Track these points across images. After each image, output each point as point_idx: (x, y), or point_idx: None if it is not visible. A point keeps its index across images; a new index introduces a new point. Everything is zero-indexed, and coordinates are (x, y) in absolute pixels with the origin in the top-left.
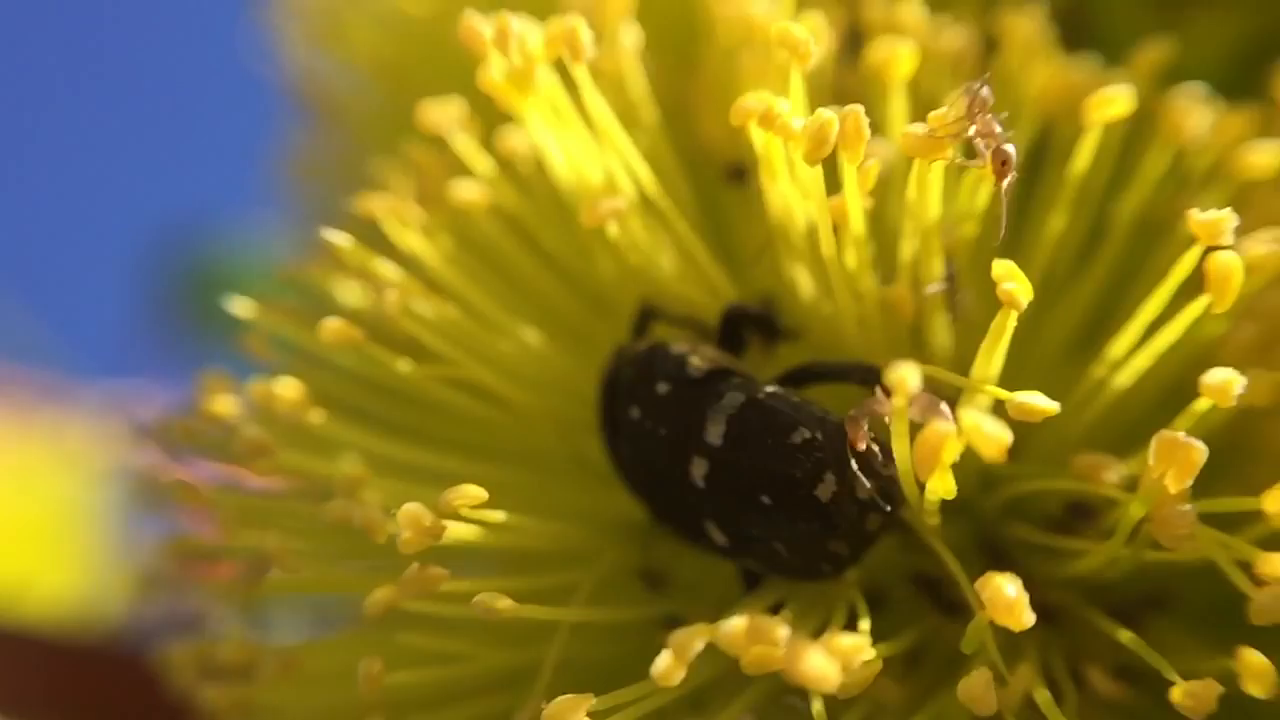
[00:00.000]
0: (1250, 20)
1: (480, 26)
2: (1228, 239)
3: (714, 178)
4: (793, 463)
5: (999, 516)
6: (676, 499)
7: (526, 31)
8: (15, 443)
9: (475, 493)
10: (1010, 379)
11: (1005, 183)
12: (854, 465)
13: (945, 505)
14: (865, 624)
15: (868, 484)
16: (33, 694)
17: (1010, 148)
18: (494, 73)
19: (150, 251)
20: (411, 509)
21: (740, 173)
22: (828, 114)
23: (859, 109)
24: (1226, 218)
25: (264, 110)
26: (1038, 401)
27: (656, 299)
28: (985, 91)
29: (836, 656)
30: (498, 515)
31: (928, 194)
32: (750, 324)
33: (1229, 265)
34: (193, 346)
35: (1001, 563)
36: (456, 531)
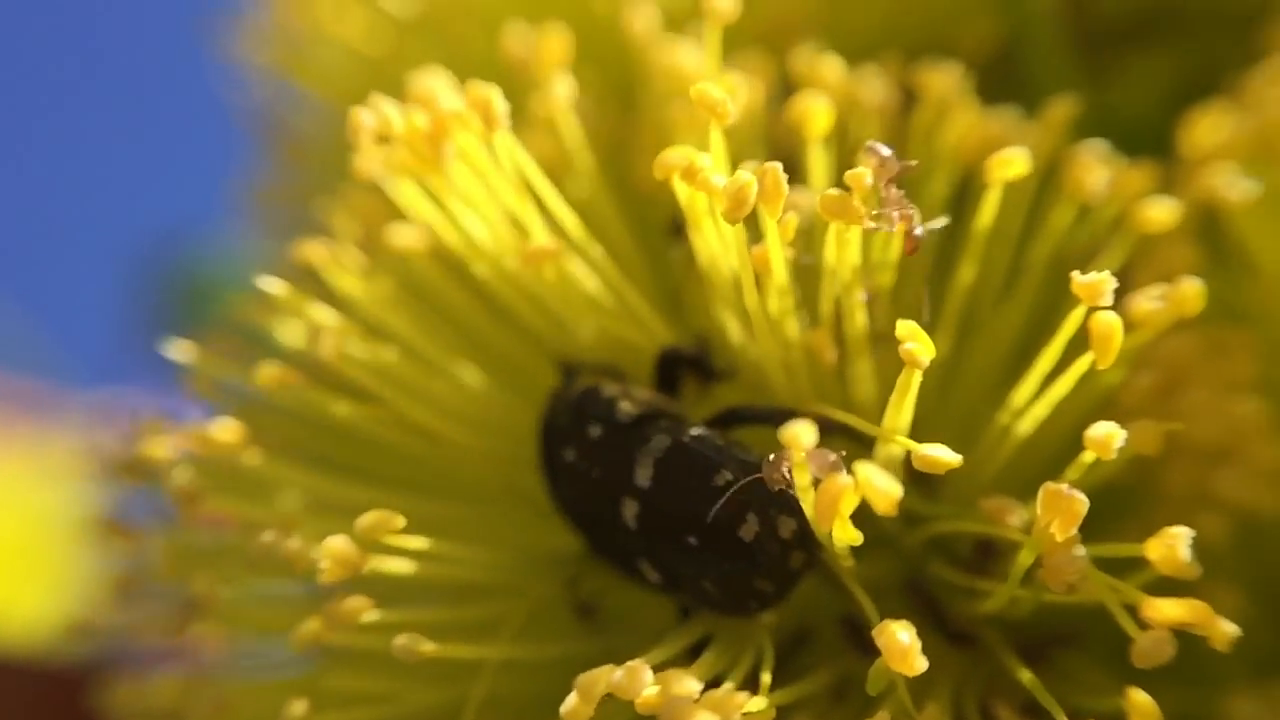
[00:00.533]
0: (1179, 64)
1: (368, 121)
2: (1107, 300)
3: (654, 219)
4: (715, 505)
5: (921, 554)
6: (612, 538)
7: (437, 101)
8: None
9: (394, 521)
10: (929, 421)
11: (912, 250)
12: (774, 506)
13: (872, 541)
14: (767, 674)
15: (790, 523)
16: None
17: (919, 230)
18: (401, 152)
19: (137, 262)
20: (335, 541)
21: (679, 228)
22: (746, 176)
23: (777, 166)
24: (1105, 280)
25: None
26: (941, 454)
27: (575, 356)
28: (890, 158)
29: (716, 710)
30: (425, 545)
31: (845, 249)
32: (684, 365)
33: (1109, 325)
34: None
35: (922, 600)
36: (381, 563)
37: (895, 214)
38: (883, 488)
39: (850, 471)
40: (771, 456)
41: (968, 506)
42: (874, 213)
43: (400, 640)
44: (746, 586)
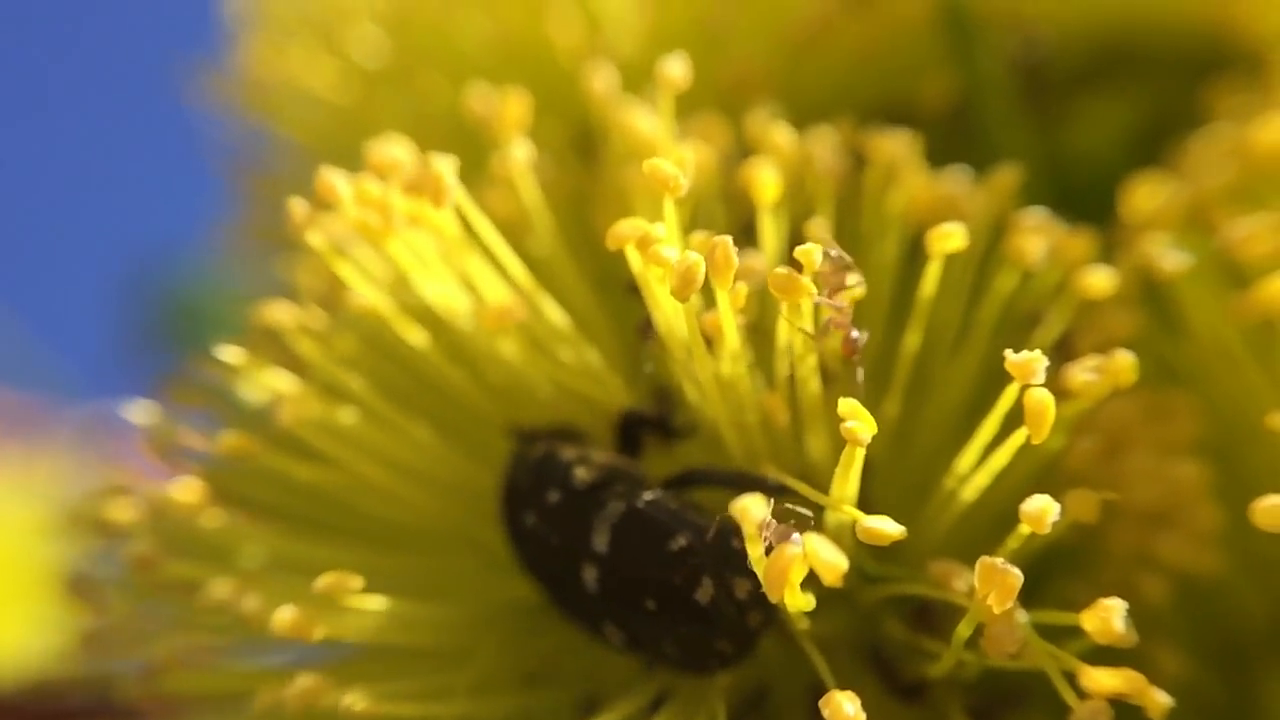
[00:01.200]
0: (1135, 105)
1: (337, 187)
2: (1039, 378)
3: (617, 271)
4: (670, 569)
5: (875, 610)
6: (576, 600)
7: (390, 170)
8: None
9: (350, 582)
10: (883, 480)
11: (855, 357)
12: (728, 569)
13: (827, 597)
14: None
15: (745, 584)
16: None
17: (856, 335)
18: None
19: (126, 278)
20: (285, 612)
21: (635, 288)
22: (693, 256)
23: (726, 241)
24: (1037, 359)
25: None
26: (884, 527)
27: (533, 416)
28: (833, 262)
29: None
30: (383, 605)
31: (796, 320)
32: (645, 426)
33: (1042, 402)
34: (169, 371)
35: (875, 658)
36: (336, 627)
37: (835, 320)
38: (829, 560)
39: (800, 541)
40: (721, 519)
41: (918, 569)
42: (820, 295)
43: (348, 699)
44: (706, 647)
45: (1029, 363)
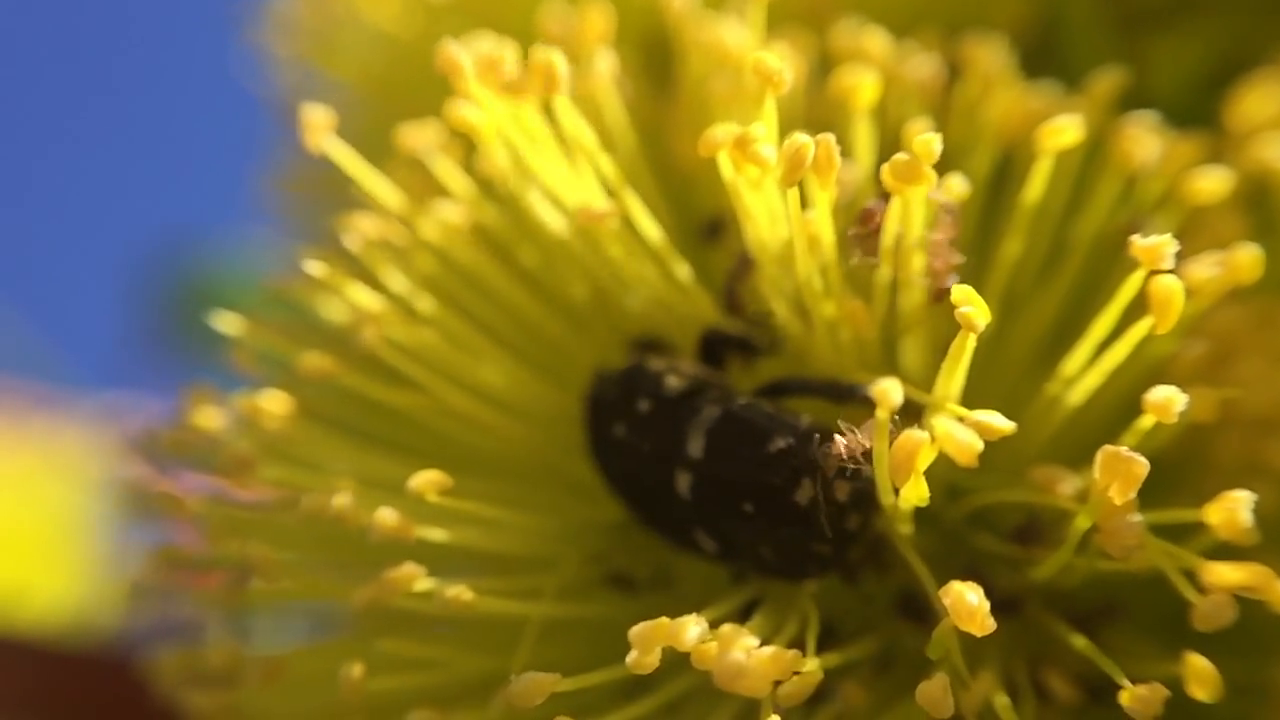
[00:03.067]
0: (1212, 45)
1: (458, 57)
2: (1168, 263)
3: (690, 200)
4: (770, 471)
5: (964, 527)
6: (665, 511)
7: (503, 63)
8: (9, 452)
9: (440, 479)
10: (975, 394)
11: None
12: (829, 470)
13: (915, 516)
14: (813, 633)
15: (845, 486)
16: (26, 700)
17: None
18: (469, 110)
19: (143, 264)
20: (384, 513)
21: (715, 228)
22: (802, 138)
23: (830, 137)
24: (1167, 243)
25: (259, 123)
26: (995, 420)
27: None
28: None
29: (766, 667)
30: (471, 511)
31: (910, 216)
32: (728, 345)
33: (1170, 289)
34: (185, 359)
35: (966, 572)
36: (428, 529)
37: (937, 263)
38: (964, 439)
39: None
40: (820, 429)
41: (1015, 477)
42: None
43: (450, 592)
44: (804, 550)
45: (1158, 247)
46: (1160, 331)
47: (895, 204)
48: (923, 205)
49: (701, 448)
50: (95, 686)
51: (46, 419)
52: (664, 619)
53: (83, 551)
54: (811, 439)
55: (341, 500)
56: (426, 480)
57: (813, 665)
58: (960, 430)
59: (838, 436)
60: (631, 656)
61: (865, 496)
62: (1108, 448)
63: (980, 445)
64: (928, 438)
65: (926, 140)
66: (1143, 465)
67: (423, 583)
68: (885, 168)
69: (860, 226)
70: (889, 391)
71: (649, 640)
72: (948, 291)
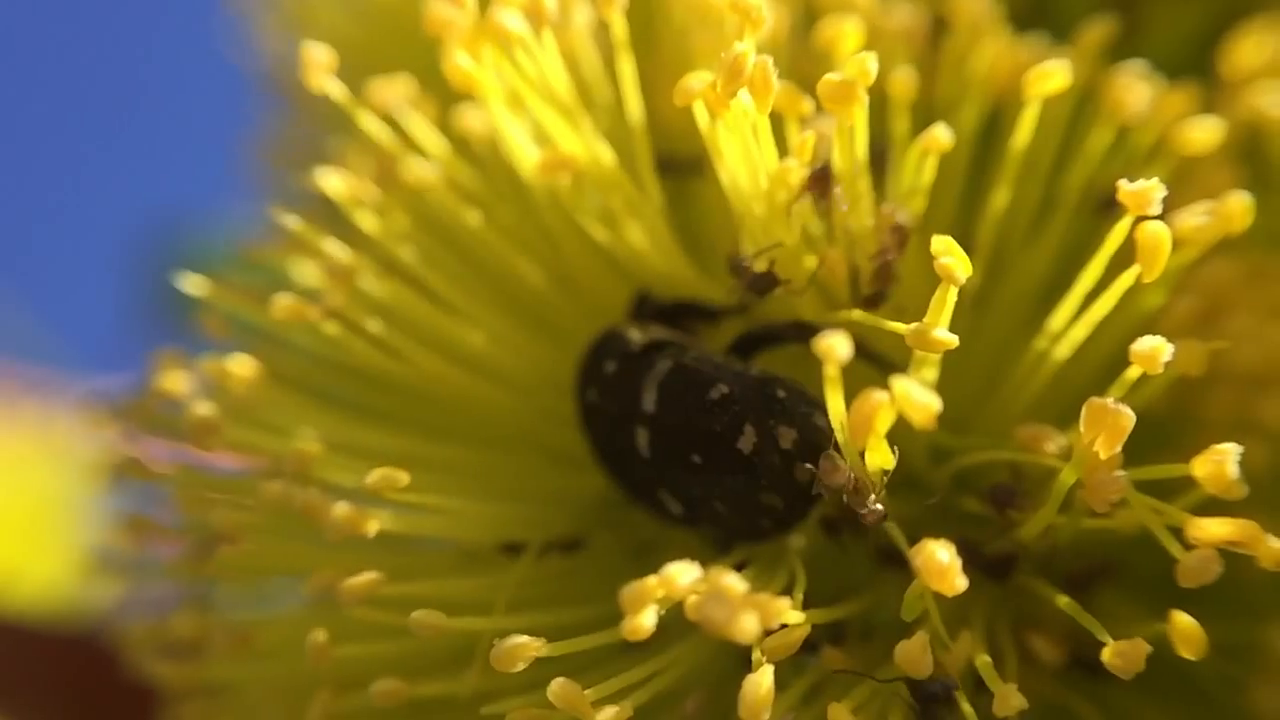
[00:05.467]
0: (1208, 6)
1: (443, 9)
2: (1155, 208)
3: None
4: (711, 417)
5: (949, 488)
6: (634, 473)
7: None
8: (2, 435)
9: (397, 477)
10: (963, 350)
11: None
12: (772, 416)
13: (897, 479)
14: (800, 590)
15: (790, 433)
16: (20, 681)
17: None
18: (454, 54)
19: (137, 245)
20: (343, 509)
21: (669, 165)
22: (762, 58)
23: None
24: (1154, 187)
25: (252, 105)
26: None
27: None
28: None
29: (757, 613)
30: (431, 500)
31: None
32: (683, 309)
33: (1157, 235)
34: (179, 340)
35: (950, 534)
36: (387, 523)
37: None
38: (921, 400)
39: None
40: (759, 374)
41: (1000, 437)
42: None
43: (416, 615)
44: (754, 502)
45: (1145, 192)
46: (1147, 280)
47: (834, 131)
48: (862, 130)
49: (654, 400)
50: (88, 667)
51: (40, 403)
52: (651, 577)
53: (76, 536)
54: (755, 385)
55: (303, 493)
56: (383, 477)
57: (799, 617)
58: (918, 390)
59: (778, 387)
60: (625, 622)
61: (814, 447)
62: (1094, 400)
63: (938, 405)
64: (886, 398)
65: (860, 60)
66: (1129, 417)
67: (385, 588)
68: (818, 88)
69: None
70: (835, 346)
71: (640, 599)
72: (900, 237)
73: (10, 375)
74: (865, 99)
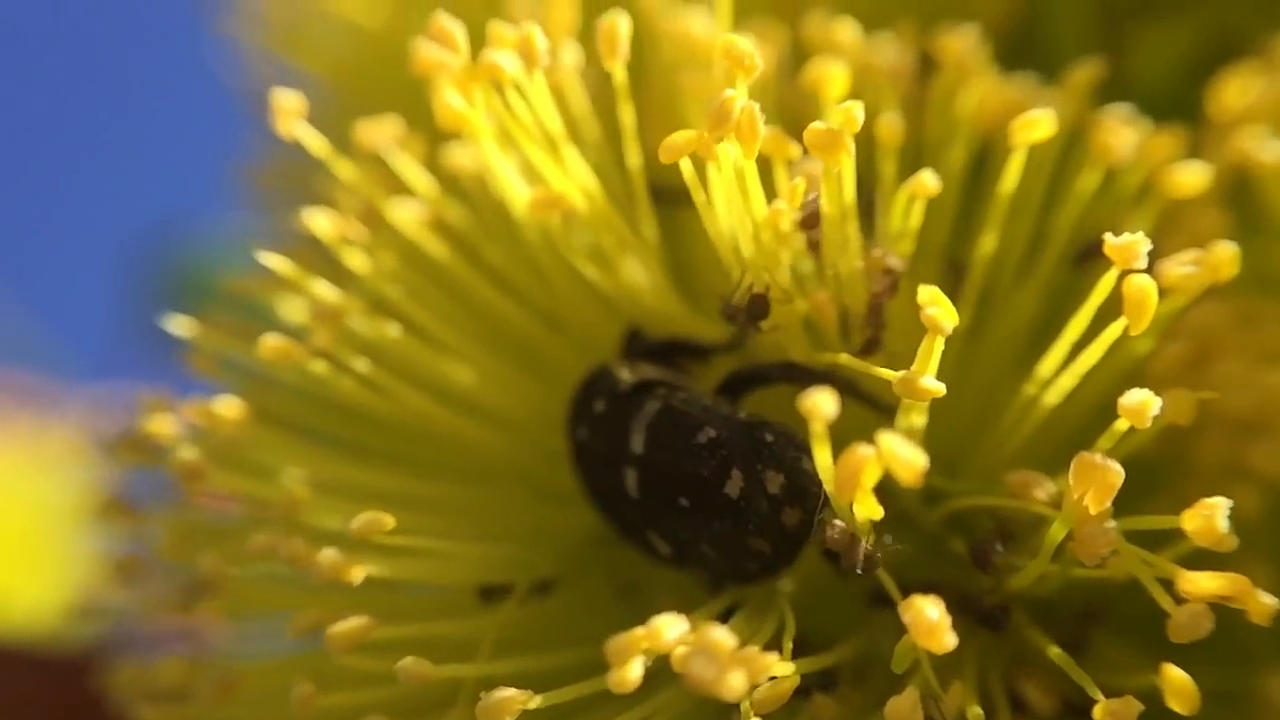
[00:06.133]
0: (1198, 32)
1: (434, 51)
2: (1141, 262)
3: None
4: (698, 461)
5: (940, 531)
6: (623, 512)
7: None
8: None
9: (382, 521)
10: (952, 394)
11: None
12: (760, 461)
13: (891, 519)
14: (790, 637)
15: (777, 478)
16: (13, 704)
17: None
18: (445, 94)
19: (135, 255)
20: (329, 555)
21: (659, 193)
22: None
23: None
24: (1139, 241)
25: (245, 118)
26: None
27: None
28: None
29: (744, 670)
30: (419, 543)
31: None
32: (675, 349)
33: (1143, 289)
34: (178, 350)
35: (941, 578)
36: (372, 568)
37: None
38: (907, 458)
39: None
40: (746, 420)
41: (990, 482)
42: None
43: (402, 664)
44: (741, 546)
45: (1131, 245)
46: (1134, 333)
47: (822, 176)
48: (849, 176)
49: (642, 442)
50: (76, 691)
51: (35, 414)
52: (638, 629)
53: (71, 550)
54: (743, 430)
55: (290, 544)
56: (368, 522)
57: (788, 669)
58: (904, 447)
59: (766, 431)
60: (611, 674)
61: (802, 492)
62: (1083, 455)
63: (924, 463)
64: (873, 453)
65: (847, 109)
66: (1118, 473)
67: (371, 633)
68: (805, 135)
69: (801, 210)
70: (820, 404)
71: (625, 651)
72: (891, 280)
73: (5, 387)
74: (851, 147)
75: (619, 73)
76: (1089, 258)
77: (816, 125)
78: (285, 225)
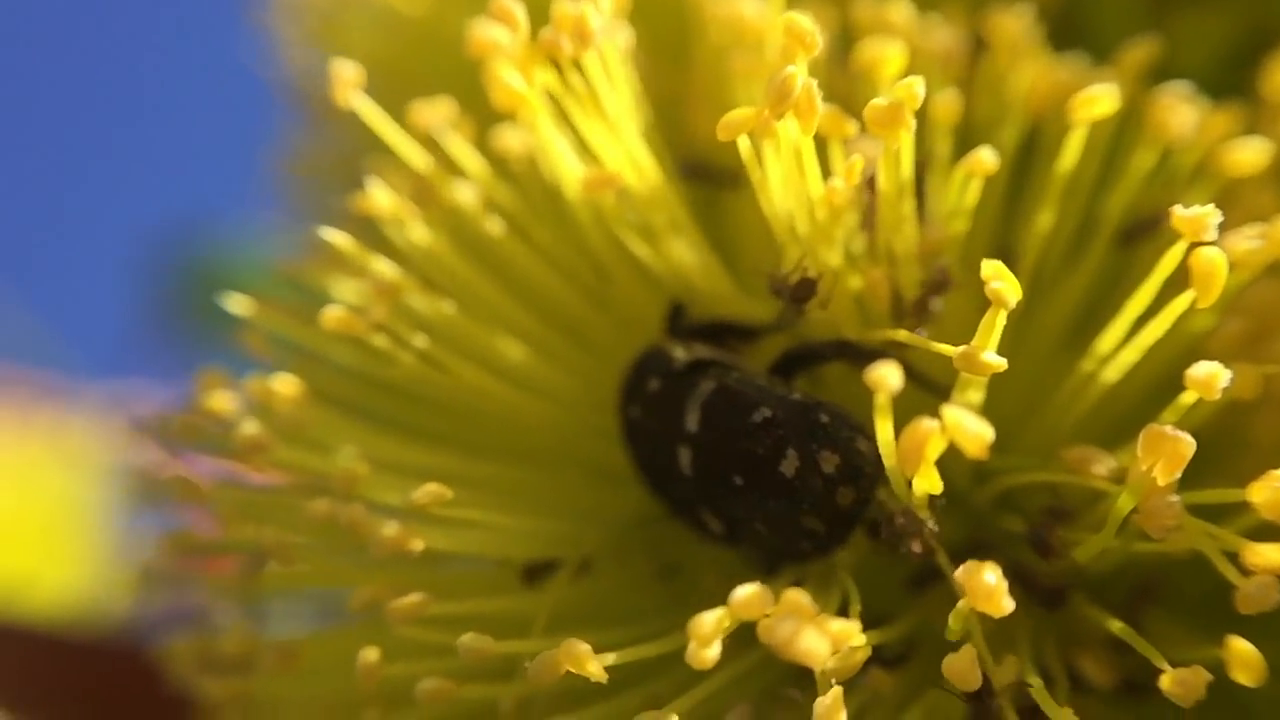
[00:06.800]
0: (1239, 19)
1: (492, 30)
2: (1211, 234)
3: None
4: (754, 440)
5: (991, 510)
6: (676, 491)
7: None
8: (15, 441)
9: (443, 493)
10: (1003, 372)
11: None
12: (815, 441)
13: (938, 499)
14: (856, 610)
15: (832, 458)
16: (35, 688)
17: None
18: (498, 71)
19: (150, 252)
20: (390, 527)
21: (696, 170)
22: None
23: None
24: (1210, 214)
25: (264, 110)
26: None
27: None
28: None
29: (828, 637)
30: (479, 516)
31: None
32: (723, 329)
33: (1212, 261)
34: (192, 346)
35: (993, 556)
36: (432, 540)
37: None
38: (974, 430)
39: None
40: (802, 399)
41: (1045, 459)
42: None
43: (464, 639)
44: (795, 525)
45: (1201, 218)
46: (1202, 305)
47: (880, 154)
48: (908, 154)
49: (697, 420)
50: (104, 674)
51: (53, 408)
52: (719, 609)
53: (89, 540)
54: (799, 409)
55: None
56: (428, 493)
57: (861, 640)
58: (971, 420)
59: (821, 412)
60: (692, 649)
61: (857, 472)
62: (1152, 426)
63: (990, 435)
64: (937, 426)
65: (909, 84)
66: (1189, 444)
67: (432, 608)
68: (865, 112)
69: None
70: (886, 376)
71: (710, 626)
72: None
73: (22, 381)
74: (912, 123)
75: (592, 64)
76: (1141, 234)
77: (878, 101)
78: (325, 215)
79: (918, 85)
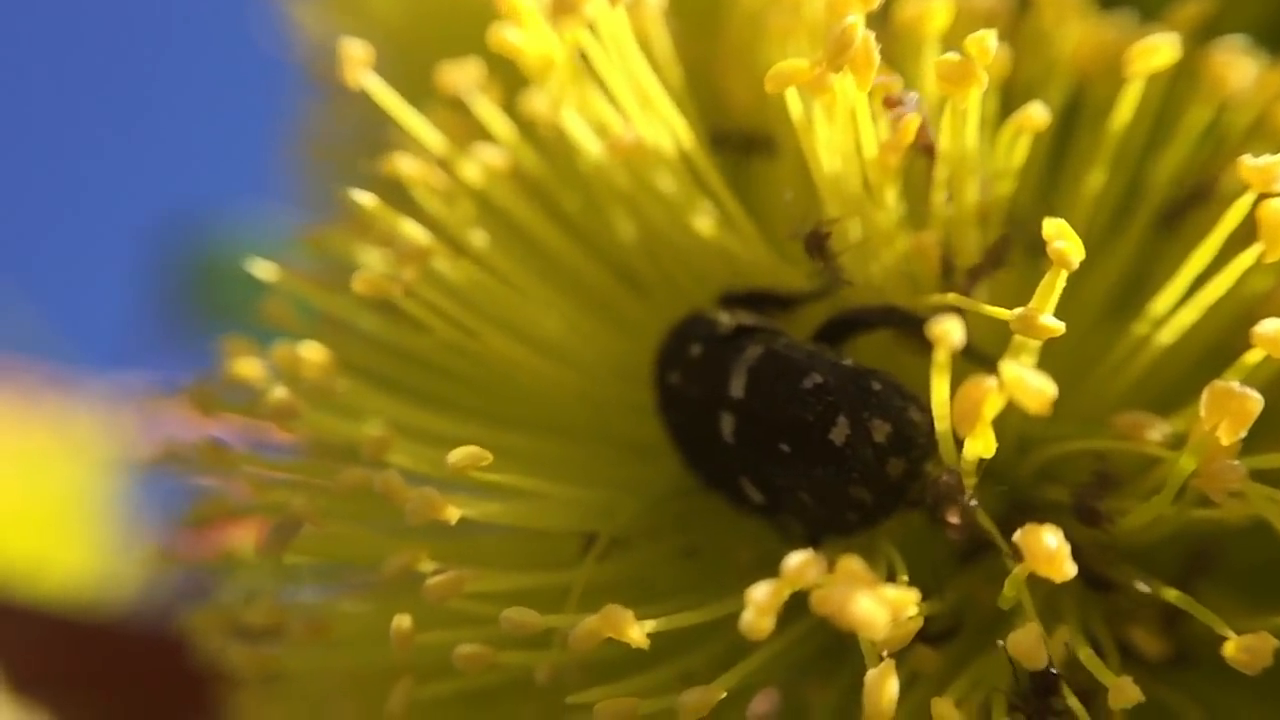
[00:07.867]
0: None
1: None
2: None
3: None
4: (804, 407)
5: (1034, 480)
6: (715, 460)
7: None
8: (22, 430)
9: (481, 455)
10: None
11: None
12: (867, 409)
13: (980, 470)
14: (904, 581)
15: (884, 427)
16: (47, 669)
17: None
18: (515, 36)
19: (155, 242)
20: (424, 492)
21: (725, 138)
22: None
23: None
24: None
25: (268, 103)
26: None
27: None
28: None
29: (886, 604)
30: (517, 482)
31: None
32: (761, 297)
33: None
34: (197, 337)
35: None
36: (467, 508)
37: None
38: (1036, 385)
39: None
40: (854, 366)
41: (1095, 425)
42: None
43: (506, 614)
44: (842, 495)
45: (1270, 167)
46: (1270, 259)
47: (947, 112)
48: (974, 112)
49: (743, 386)
50: (117, 654)
51: (58, 398)
52: (771, 581)
53: (96, 528)
54: (851, 376)
55: (387, 475)
56: (466, 455)
57: (914, 610)
58: (1032, 376)
59: (873, 379)
60: (747, 617)
61: (908, 442)
62: (1218, 383)
63: (1054, 391)
64: (995, 384)
65: (980, 38)
66: (1256, 400)
67: (469, 583)
68: (936, 67)
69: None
70: (950, 331)
71: (769, 596)
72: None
73: (28, 371)
74: (984, 80)
75: (619, 23)
76: (1192, 203)
77: (950, 56)
78: (330, 193)
79: (990, 39)
